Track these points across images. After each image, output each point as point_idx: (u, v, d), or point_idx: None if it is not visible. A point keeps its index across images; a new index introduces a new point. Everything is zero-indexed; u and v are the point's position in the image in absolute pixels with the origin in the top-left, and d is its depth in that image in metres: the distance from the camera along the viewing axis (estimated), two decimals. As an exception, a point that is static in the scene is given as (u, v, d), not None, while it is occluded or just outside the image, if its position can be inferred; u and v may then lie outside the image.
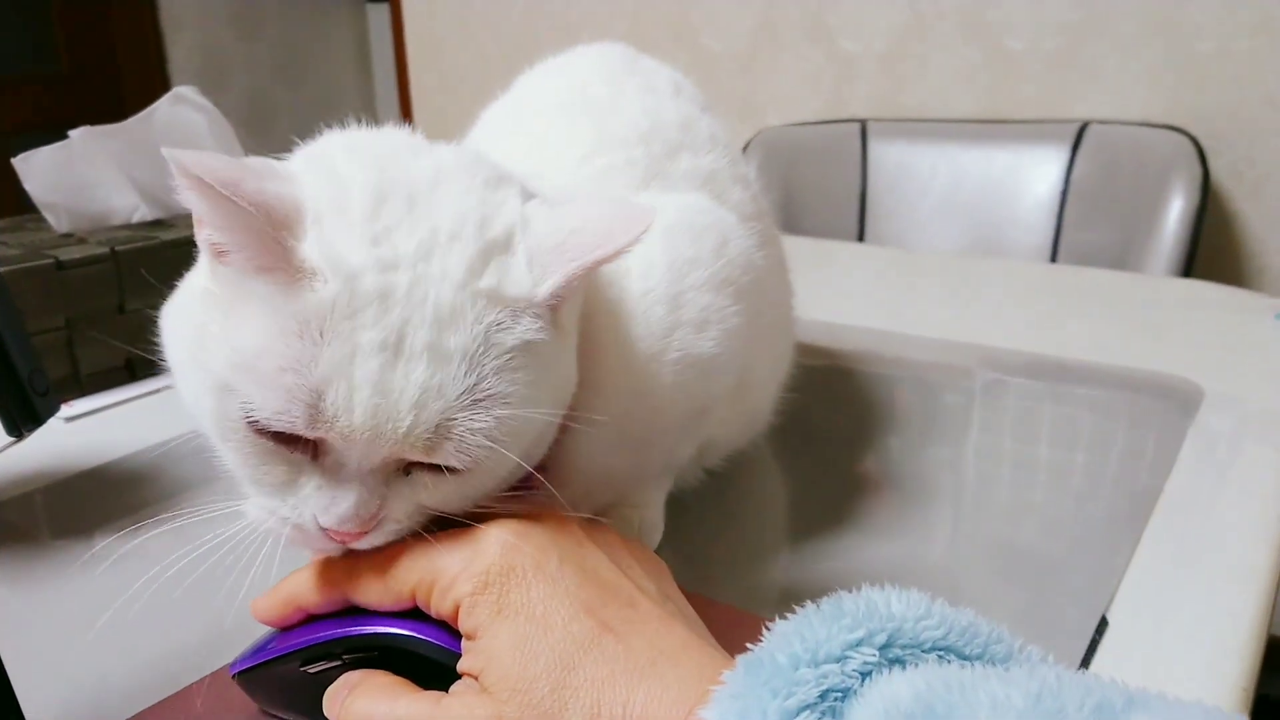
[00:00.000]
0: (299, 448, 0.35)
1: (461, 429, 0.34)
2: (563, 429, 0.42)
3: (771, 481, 0.65)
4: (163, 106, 0.87)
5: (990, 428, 0.71)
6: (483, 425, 0.34)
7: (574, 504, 0.46)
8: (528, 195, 0.40)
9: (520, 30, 2.09)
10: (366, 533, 0.35)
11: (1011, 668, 0.29)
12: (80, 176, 0.85)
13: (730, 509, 0.59)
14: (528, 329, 0.36)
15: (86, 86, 2.86)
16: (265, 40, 3.22)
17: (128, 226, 0.85)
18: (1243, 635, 0.44)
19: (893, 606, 0.30)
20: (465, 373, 0.34)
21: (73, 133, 0.84)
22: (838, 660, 0.28)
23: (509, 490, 0.41)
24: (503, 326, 0.35)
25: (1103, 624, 0.45)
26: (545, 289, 0.36)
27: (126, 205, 0.87)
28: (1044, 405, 0.75)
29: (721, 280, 0.48)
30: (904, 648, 0.30)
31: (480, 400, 0.34)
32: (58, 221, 0.84)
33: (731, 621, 0.45)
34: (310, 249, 0.34)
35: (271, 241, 0.34)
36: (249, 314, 0.34)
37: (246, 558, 0.39)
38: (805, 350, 0.83)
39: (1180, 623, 0.46)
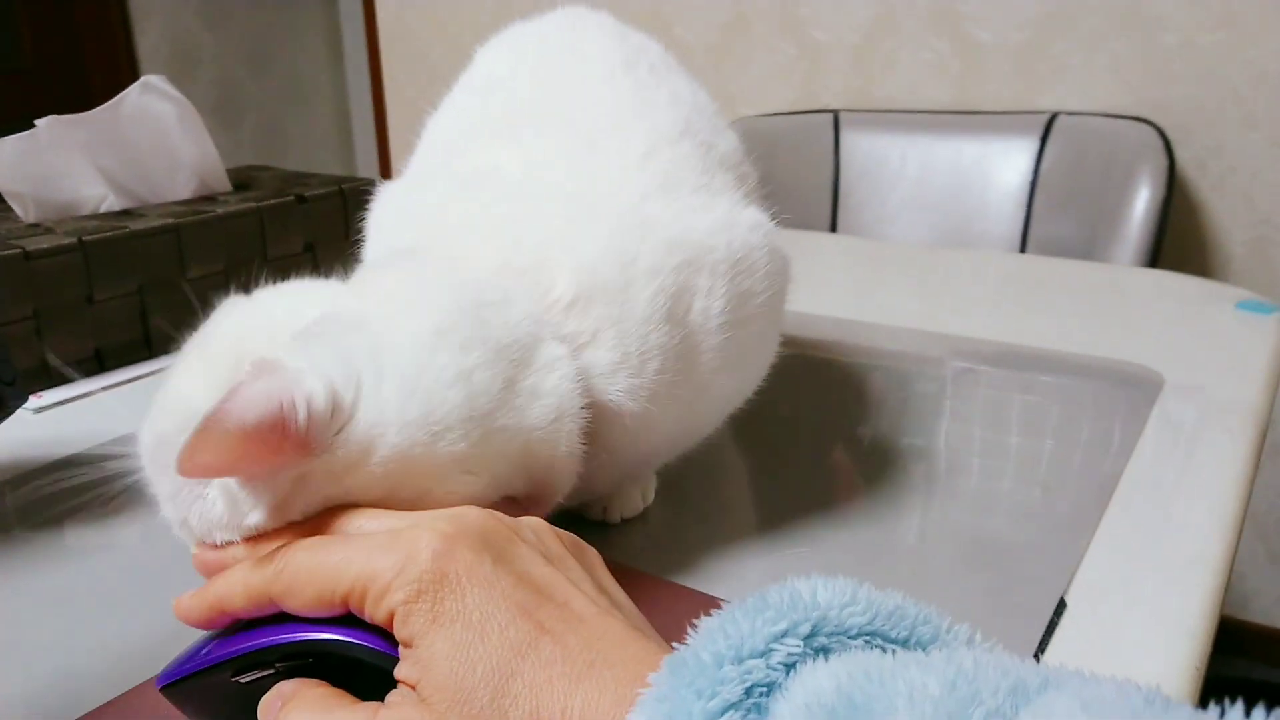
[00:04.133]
0: None
1: None
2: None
3: (742, 469, 0.65)
4: (131, 95, 0.87)
5: (960, 416, 0.72)
6: None
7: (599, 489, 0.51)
8: None
9: (494, 21, 2.07)
10: None
11: (932, 652, 0.29)
12: (47, 166, 0.84)
13: (701, 497, 0.59)
14: None
15: (52, 79, 2.82)
16: (234, 29, 3.19)
17: (96, 216, 0.84)
18: (1196, 616, 0.45)
19: (818, 595, 0.30)
20: None
21: (39, 122, 0.83)
22: (762, 654, 0.28)
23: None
24: None
25: (1061, 606, 0.46)
26: None
27: (94, 195, 0.87)
28: (1013, 394, 0.76)
29: (769, 308, 0.52)
30: (830, 635, 0.29)
31: None
32: (24, 211, 0.84)
33: (702, 607, 0.45)
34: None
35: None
36: None
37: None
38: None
39: (1136, 604, 0.47)
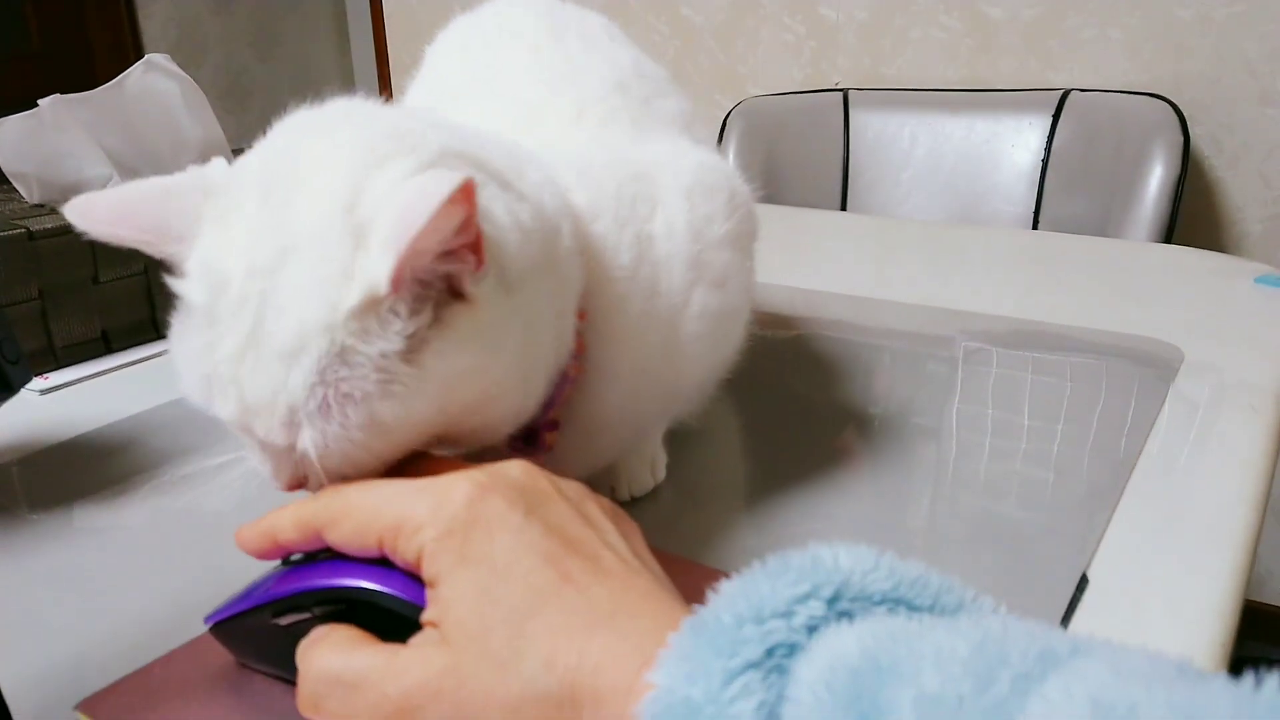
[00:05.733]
0: None
1: (313, 428, 0.35)
2: (580, 382, 0.45)
3: (753, 448, 0.65)
4: (135, 74, 0.86)
5: (972, 396, 0.71)
6: (334, 428, 0.35)
7: (604, 451, 0.50)
8: (438, 160, 0.38)
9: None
10: (304, 485, 0.39)
11: (959, 617, 0.29)
12: (51, 146, 0.83)
13: (711, 475, 0.59)
14: (389, 330, 0.35)
15: (58, 63, 2.82)
16: (240, 13, 3.18)
17: (101, 197, 0.84)
18: (1222, 594, 0.45)
19: (840, 560, 0.30)
20: (314, 380, 0.35)
21: (42, 101, 0.83)
22: (783, 616, 0.28)
23: (511, 446, 0.44)
24: (358, 332, 0.35)
25: (1083, 582, 0.45)
26: (384, 276, 0.34)
27: (99, 175, 0.86)
28: (1026, 373, 0.75)
29: (735, 236, 0.51)
30: (853, 600, 0.29)
31: (330, 405, 0.35)
32: (29, 192, 0.83)
33: (714, 582, 0.44)
34: (193, 259, 0.37)
35: (174, 260, 0.37)
36: (181, 310, 0.38)
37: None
38: (789, 319, 0.83)
39: (1161, 580, 0.46)
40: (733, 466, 0.61)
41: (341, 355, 0.35)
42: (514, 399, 0.40)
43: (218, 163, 0.39)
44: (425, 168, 0.37)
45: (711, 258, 0.49)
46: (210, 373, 0.36)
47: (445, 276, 0.36)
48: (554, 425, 0.45)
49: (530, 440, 0.45)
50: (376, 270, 0.34)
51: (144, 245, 0.37)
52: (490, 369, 0.38)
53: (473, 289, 0.37)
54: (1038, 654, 0.26)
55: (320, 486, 0.38)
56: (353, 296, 0.34)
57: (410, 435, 0.37)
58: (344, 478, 0.37)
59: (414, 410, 0.36)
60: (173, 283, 0.37)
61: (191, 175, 0.38)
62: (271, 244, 0.36)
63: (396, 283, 0.34)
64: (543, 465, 0.38)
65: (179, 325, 0.38)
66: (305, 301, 0.35)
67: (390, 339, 0.35)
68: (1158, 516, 0.52)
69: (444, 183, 0.33)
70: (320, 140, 0.38)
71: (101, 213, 0.37)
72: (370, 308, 0.35)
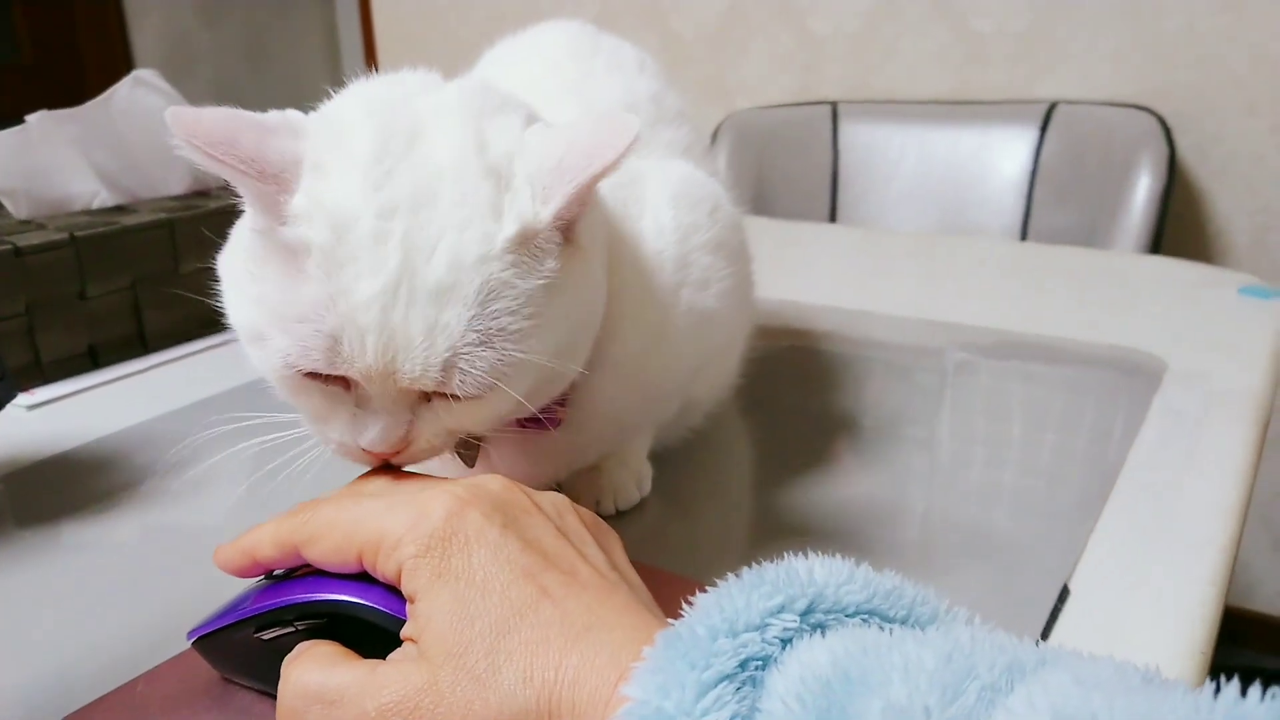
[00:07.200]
0: (332, 381, 0.38)
1: (469, 365, 0.36)
2: (586, 368, 0.46)
3: (743, 461, 0.65)
4: (122, 90, 0.86)
5: (961, 407, 0.71)
6: (489, 362, 0.37)
7: (586, 447, 0.51)
8: (532, 120, 0.42)
9: (489, 15, 2.08)
10: (400, 452, 0.39)
11: (930, 630, 0.29)
12: (39, 161, 0.83)
13: (701, 488, 0.59)
14: (536, 267, 0.38)
15: (49, 77, 2.81)
16: (231, 27, 3.18)
17: (88, 212, 0.84)
18: (1201, 601, 0.45)
19: (815, 573, 0.31)
20: (473, 314, 0.36)
21: (30, 117, 0.83)
22: (757, 629, 0.29)
23: (532, 417, 0.45)
24: (511, 266, 0.37)
25: (1064, 593, 0.46)
26: (548, 212, 0.37)
27: (87, 191, 0.86)
28: (1014, 384, 0.75)
29: (717, 243, 0.53)
30: (827, 613, 0.30)
31: (487, 339, 0.37)
32: (16, 208, 0.83)
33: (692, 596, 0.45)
34: (301, 200, 0.37)
35: (267, 197, 0.37)
36: (272, 264, 0.38)
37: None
38: (778, 331, 0.83)
39: (1141, 591, 0.46)
40: (720, 479, 0.61)
41: (498, 289, 0.37)
42: (587, 347, 0.44)
43: (293, 113, 0.41)
44: (529, 123, 0.42)
45: (694, 260, 0.52)
46: (340, 323, 0.36)
47: (568, 222, 0.39)
48: (563, 401, 0.47)
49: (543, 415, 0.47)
50: (535, 206, 0.37)
51: (234, 175, 0.37)
52: (588, 310, 0.42)
53: (581, 234, 0.40)
54: (1005, 666, 0.26)
55: (417, 454, 0.40)
56: (508, 230, 0.37)
57: (529, 379, 0.39)
58: (446, 439, 0.40)
59: (547, 345, 0.39)
60: (280, 231, 0.37)
61: (281, 117, 0.39)
62: (406, 185, 0.37)
63: (559, 218, 0.38)
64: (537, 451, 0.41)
65: (275, 284, 0.37)
66: (457, 238, 0.36)
67: (539, 274, 0.38)
68: (1141, 525, 0.52)
69: (628, 127, 0.37)
70: (426, 95, 0.41)
71: (205, 131, 0.36)
72: (524, 242, 0.37)
